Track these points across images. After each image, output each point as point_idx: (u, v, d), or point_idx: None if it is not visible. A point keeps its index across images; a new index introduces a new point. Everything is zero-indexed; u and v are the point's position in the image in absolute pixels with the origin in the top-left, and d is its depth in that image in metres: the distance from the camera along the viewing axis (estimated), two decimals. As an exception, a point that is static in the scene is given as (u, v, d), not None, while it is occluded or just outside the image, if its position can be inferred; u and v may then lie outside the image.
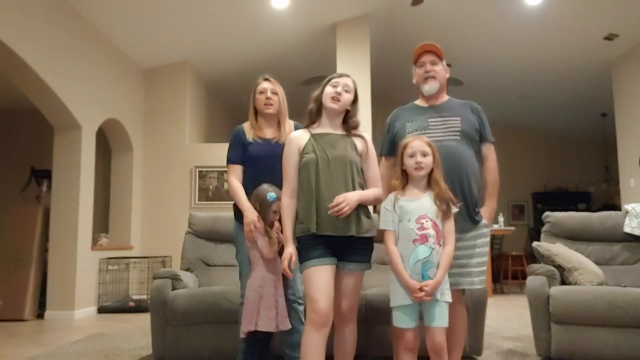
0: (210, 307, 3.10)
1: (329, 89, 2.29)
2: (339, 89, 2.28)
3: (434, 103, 2.56)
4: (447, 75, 2.58)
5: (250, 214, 2.49)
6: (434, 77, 2.51)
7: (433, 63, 2.53)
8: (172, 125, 7.09)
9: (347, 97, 2.29)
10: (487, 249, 2.45)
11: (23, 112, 7.44)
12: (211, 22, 6.20)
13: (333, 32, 6.90)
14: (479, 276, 2.38)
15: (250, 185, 2.59)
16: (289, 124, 2.75)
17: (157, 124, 7.09)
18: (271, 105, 2.68)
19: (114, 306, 5.84)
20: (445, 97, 2.59)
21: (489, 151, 2.54)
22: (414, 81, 2.61)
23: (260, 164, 2.60)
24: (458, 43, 7.41)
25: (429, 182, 2.20)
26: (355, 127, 2.35)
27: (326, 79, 2.34)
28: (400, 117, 2.59)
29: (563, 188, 10.80)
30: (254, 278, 2.47)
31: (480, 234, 2.41)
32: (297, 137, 2.32)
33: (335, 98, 2.27)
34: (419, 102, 2.62)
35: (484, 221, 2.44)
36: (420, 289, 2.03)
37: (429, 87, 2.52)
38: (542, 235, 3.75)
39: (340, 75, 2.33)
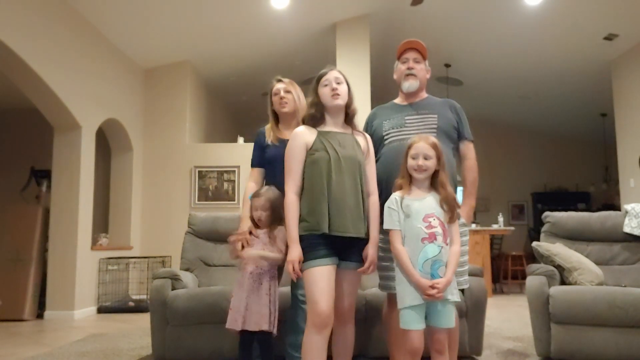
0: (210, 307, 3.10)
1: (323, 90, 2.29)
2: (333, 84, 2.27)
3: (412, 101, 2.55)
4: (428, 76, 2.58)
5: (243, 224, 2.59)
6: (414, 76, 2.51)
7: (416, 61, 2.52)
8: (172, 125, 7.09)
9: (344, 89, 2.30)
10: (466, 247, 2.43)
11: (23, 112, 7.44)
12: (211, 22, 6.20)
13: (333, 32, 6.90)
14: (462, 276, 2.36)
15: None
16: None
17: (157, 124, 7.09)
18: (286, 104, 2.71)
19: (114, 306, 5.84)
20: (424, 95, 2.59)
21: (468, 149, 2.54)
22: (395, 77, 2.60)
23: (276, 166, 2.59)
24: (458, 43, 7.41)
25: (432, 183, 2.18)
26: (354, 115, 2.36)
27: (314, 81, 2.32)
28: (379, 115, 2.60)
29: (563, 188, 10.80)
30: (238, 280, 2.56)
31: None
32: (303, 133, 2.28)
33: (335, 95, 2.26)
34: (398, 100, 2.62)
35: (462, 220, 2.39)
36: (432, 287, 2.01)
37: (409, 85, 2.52)
38: (542, 235, 3.74)
39: (326, 72, 2.31)
